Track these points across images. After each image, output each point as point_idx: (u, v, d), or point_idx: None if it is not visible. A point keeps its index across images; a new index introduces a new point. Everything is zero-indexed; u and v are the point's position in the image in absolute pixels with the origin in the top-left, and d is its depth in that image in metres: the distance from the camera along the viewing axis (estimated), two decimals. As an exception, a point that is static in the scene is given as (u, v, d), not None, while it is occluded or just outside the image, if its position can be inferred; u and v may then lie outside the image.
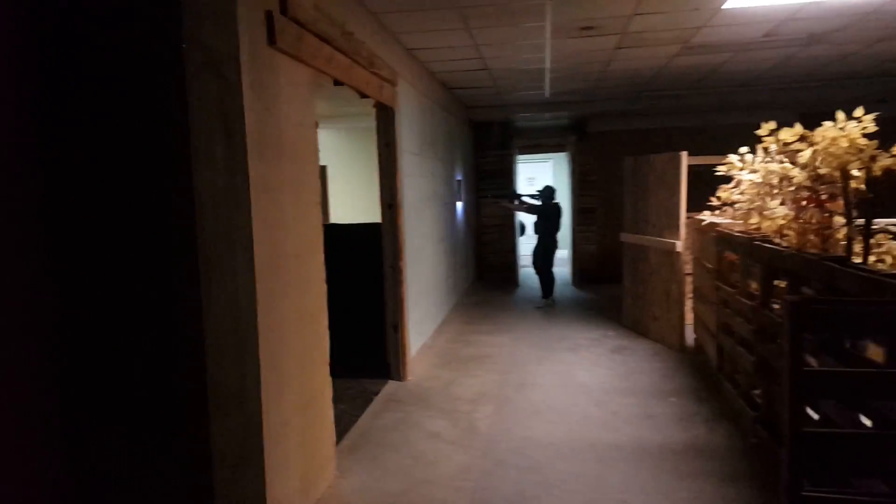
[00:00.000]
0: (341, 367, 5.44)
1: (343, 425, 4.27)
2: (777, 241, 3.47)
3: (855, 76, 8.08)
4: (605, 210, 10.77)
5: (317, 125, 3.31)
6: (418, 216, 6.10)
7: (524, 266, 11.64)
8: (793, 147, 3.40)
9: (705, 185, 5.04)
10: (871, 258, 3.19)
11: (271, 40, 2.75)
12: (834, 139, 3.13)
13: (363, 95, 4.43)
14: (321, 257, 3.33)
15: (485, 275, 11.10)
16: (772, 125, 3.58)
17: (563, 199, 13.21)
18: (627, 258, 7.01)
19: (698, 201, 5.47)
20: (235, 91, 1.65)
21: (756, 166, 3.79)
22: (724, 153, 4.23)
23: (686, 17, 4.99)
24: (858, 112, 3.53)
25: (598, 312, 7.99)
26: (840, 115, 3.51)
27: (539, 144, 11.47)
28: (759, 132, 3.63)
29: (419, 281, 6.07)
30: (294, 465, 2.94)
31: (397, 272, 5.18)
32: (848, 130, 3.21)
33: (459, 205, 9.01)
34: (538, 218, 8.65)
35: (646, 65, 6.90)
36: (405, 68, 5.61)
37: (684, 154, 5.71)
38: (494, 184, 11.01)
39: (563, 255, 12.21)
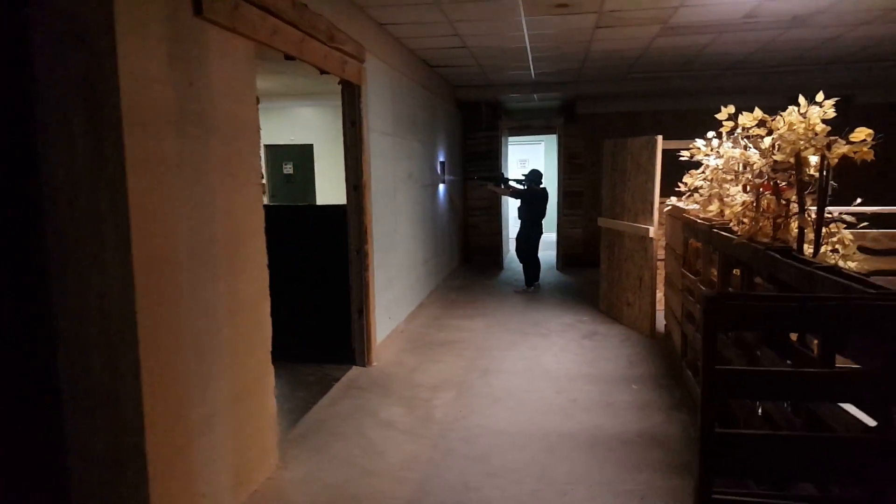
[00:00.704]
0: (306, 352, 5.40)
1: (297, 413, 4.20)
2: (736, 228, 3.36)
3: (839, 61, 7.89)
4: (592, 193, 10.63)
5: (258, 101, 3.18)
6: (391, 198, 5.98)
7: (511, 250, 11.55)
8: (753, 132, 3.26)
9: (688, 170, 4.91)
10: (825, 248, 3.08)
11: (197, 10, 2.62)
12: (791, 125, 3.00)
13: (323, 71, 4.30)
14: (261, 241, 3.22)
15: (471, 258, 11.00)
16: (730, 109, 3.44)
17: (551, 182, 13.10)
18: (604, 243, 6.90)
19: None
20: (106, 63, 1.53)
21: (721, 151, 3.66)
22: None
23: (662, -4, 4.82)
24: (819, 97, 3.40)
25: (576, 297, 7.90)
26: (802, 99, 3.38)
27: (527, 126, 11.30)
28: (719, 115, 3.50)
29: (391, 265, 5.97)
30: (225, 457, 2.87)
31: (363, 256, 5.08)
32: (808, 116, 3.08)
33: (442, 187, 8.88)
34: (522, 202, 8.51)
35: (628, 45, 6.73)
36: (376, 44, 5.46)
37: (659, 138, 5.58)
38: (483, 165, 10.87)
39: (550, 238, 12.11)
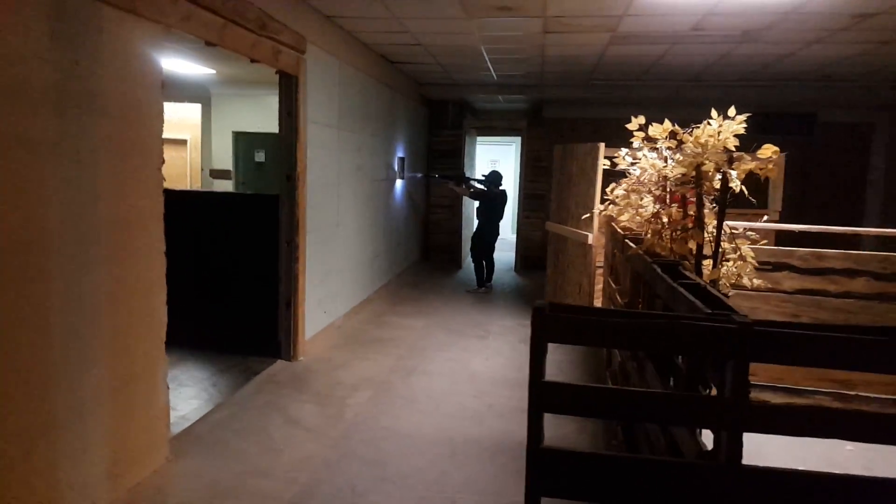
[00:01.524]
0: (232, 343, 5.31)
1: (205, 406, 4.12)
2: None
3: (799, 78, 7.95)
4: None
5: (162, 85, 3.10)
6: (333, 191, 5.90)
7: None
8: (664, 144, 3.25)
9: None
10: (729, 264, 3.08)
11: (85, -10, 2.54)
12: (697, 138, 2.99)
13: (253, 60, 4.21)
14: (157, 227, 3.13)
15: (431, 255, 10.95)
16: (641, 119, 3.41)
17: (512, 184, 13.09)
18: (551, 248, 6.90)
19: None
20: None
21: (643, 162, 3.64)
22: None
23: (603, 4, 4.80)
24: (731, 111, 3.40)
25: (526, 300, 7.88)
26: (714, 113, 3.38)
27: (491, 126, 11.30)
28: (630, 126, 3.48)
29: (330, 258, 5.90)
30: (98, 447, 2.79)
31: (294, 247, 5.01)
32: (714, 130, 3.08)
33: (400, 183, 8.81)
34: (480, 203, 8.52)
35: (583, 52, 6.71)
36: (321, 35, 5.37)
37: (601, 145, 5.57)
38: (447, 164, 10.81)
39: (510, 240, 12.10)
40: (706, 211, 3.23)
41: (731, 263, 3.06)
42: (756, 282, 3.31)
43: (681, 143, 3.14)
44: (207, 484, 3.13)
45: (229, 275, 5.42)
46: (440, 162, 10.89)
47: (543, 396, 1.65)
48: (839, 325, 1.65)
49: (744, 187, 4.14)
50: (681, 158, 2.98)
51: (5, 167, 2.23)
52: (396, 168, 8.69)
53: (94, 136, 2.66)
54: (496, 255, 8.72)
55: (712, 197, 3.72)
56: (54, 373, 2.51)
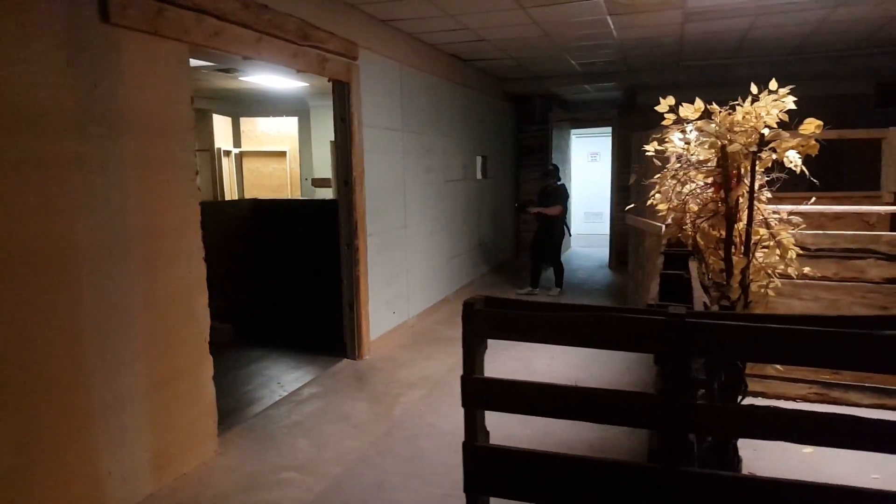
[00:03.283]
0: (303, 342, 5.56)
1: (265, 402, 4.33)
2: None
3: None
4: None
5: (192, 101, 3.30)
6: (398, 194, 5.99)
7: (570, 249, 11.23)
8: (697, 125, 2.97)
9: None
10: (767, 251, 2.77)
11: (104, 18, 2.76)
12: (726, 117, 2.72)
13: (299, 70, 4.38)
14: (195, 235, 3.33)
15: (521, 253, 10.80)
16: (670, 100, 3.13)
17: (605, 175, 12.55)
18: (632, 242, 6.56)
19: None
20: None
21: (671, 147, 3.36)
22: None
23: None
24: (773, 85, 3.05)
25: (610, 298, 7.56)
26: (754, 88, 3.06)
27: (577, 119, 10.94)
28: (658, 108, 3.20)
29: (398, 260, 5.99)
30: (140, 440, 3.02)
31: (353, 250, 5.14)
32: (754, 108, 2.78)
33: (480, 183, 8.77)
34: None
35: (660, 32, 6.32)
36: (376, 40, 5.47)
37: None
38: (535, 159, 10.63)
39: (605, 234, 11.66)
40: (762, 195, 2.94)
41: (769, 251, 2.74)
42: (805, 269, 2.95)
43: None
44: (245, 476, 3.29)
45: (303, 277, 5.67)
46: (529, 158, 10.72)
47: (474, 393, 1.57)
48: (801, 315, 1.42)
49: (804, 168, 3.73)
50: (702, 141, 2.72)
51: (28, 185, 2.48)
52: (479, 167, 8.65)
53: (119, 152, 2.88)
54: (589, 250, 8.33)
55: (768, 179, 3.39)
56: (90, 371, 2.75)
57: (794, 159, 3.67)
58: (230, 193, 10.65)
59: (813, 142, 2.80)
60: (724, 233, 2.71)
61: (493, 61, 7.98)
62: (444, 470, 3.31)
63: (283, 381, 4.79)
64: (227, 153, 10.72)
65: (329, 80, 4.88)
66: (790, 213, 2.90)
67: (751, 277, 2.79)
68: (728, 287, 2.61)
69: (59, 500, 2.64)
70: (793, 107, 2.95)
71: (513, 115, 10.55)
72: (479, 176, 8.73)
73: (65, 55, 2.60)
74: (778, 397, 4.25)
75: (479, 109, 8.67)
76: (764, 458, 3.42)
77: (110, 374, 2.85)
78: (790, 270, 2.75)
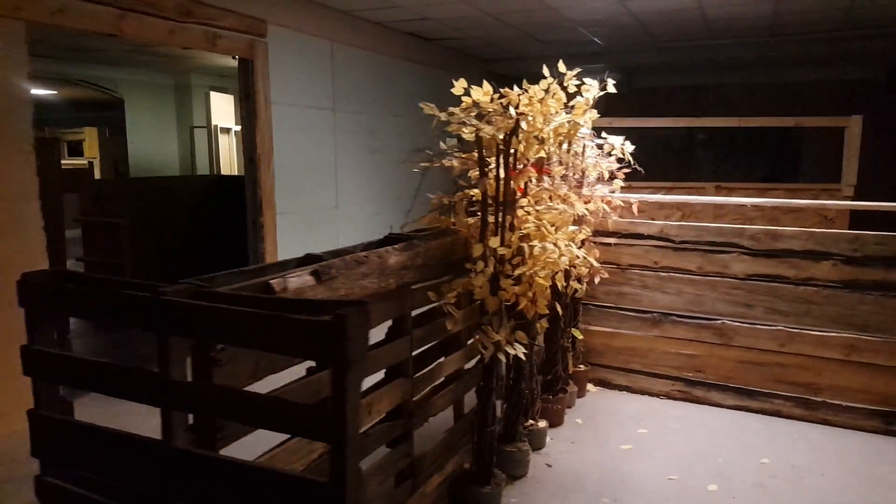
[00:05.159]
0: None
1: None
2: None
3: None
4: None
5: (29, 75, 3.45)
6: (328, 173, 6.04)
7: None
8: (486, 109, 2.86)
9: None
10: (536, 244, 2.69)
11: None
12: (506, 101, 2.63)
13: (184, 47, 4.49)
14: (31, 205, 3.50)
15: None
16: (463, 83, 3.01)
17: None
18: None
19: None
20: None
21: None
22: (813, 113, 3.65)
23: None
24: (561, 66, 2.94)
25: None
26: (545, 70, 2.95)
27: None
28: (454, 90, 3.10)
29: (329, 239, 6.05)
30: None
31: (258, 227, 5.26)
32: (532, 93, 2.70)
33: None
34: None
35: (671, 6, 5.99)
36: (293, 17, 5.45)
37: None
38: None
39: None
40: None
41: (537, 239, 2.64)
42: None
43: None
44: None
45: (208, 251, 5.84)
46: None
47: (33, 365, 1.63)
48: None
49: (630, 157, 3.57)
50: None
51: None
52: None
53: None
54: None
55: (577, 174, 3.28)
56: None
57: (619, 147, 3.55)
58: (228, 169, 10.94)
59: (571, 129, 2.69)
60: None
61: (457, 40, 7.87)
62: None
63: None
64: (227, 130, 10.99)
65: (233, 58, 4.97)
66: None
67: (531, 270, 2.69)
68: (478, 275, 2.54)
69: None
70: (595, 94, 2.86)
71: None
72: (447, 157, 8.67)
73: None
74: (643, 392, 4.13)
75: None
76: (587, 450, 3.36)
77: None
78: (564, 261, 2.64)
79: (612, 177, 3.86)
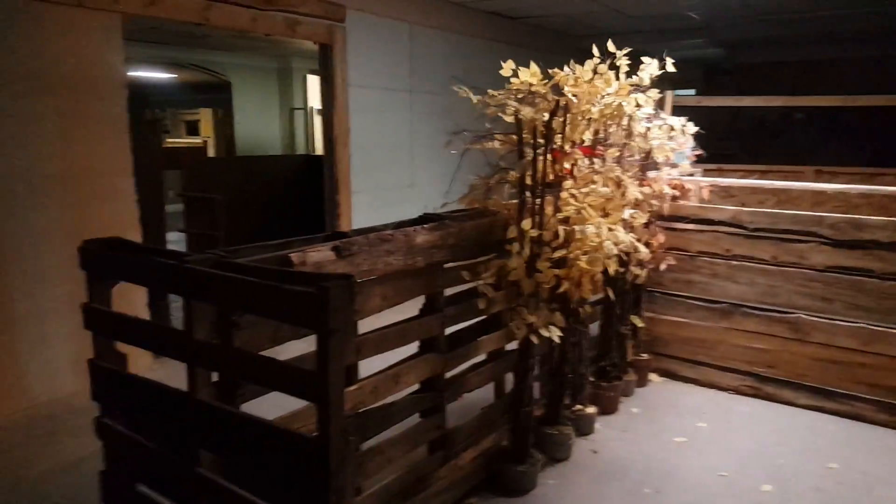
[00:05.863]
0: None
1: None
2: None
3: None
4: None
5: (123, 61, 3.79)
6: (406, 154, 6.18)
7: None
8: (537, 90, 2.81)
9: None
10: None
11: (26, -7, 3.30)
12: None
13: (267, 34, 4.74)
14: (125, 179, 3.87)
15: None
16: (511, 64, 2.96)
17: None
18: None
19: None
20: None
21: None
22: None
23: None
24: (610, 46, 2.85)
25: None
26: (595, 50, 2.88)
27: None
28: (502, 71, 3.05)
29: (404, 216, 6.20)
30: (63, 348, 3.66)
31: (335, 205, 5.49)
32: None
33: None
34: None
35: None
36: (373, 1, 5.58)
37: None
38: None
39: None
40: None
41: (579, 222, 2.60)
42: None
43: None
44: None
45: (293, 226, 6.15)
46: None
47: (91, 322, 1.85)
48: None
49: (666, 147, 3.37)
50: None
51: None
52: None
53: (39, 108, 3.43)
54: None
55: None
56: (9, 285, 3.39)
57: (680, 128, 3.39)
58: (322, 149, 11.42)
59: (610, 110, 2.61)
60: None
61: (542, 17, 7.73)
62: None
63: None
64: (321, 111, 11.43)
65: (315, 43, 5.18)
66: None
67: (573, 253, 2.67)
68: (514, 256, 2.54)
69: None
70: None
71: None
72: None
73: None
74: (710, 386, 3.97)
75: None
76: (638, 440, 3.30)
77: (28, 288, 3.49)
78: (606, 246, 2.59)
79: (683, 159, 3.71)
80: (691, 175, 4.39)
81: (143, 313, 3.98)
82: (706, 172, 5.99)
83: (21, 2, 3.30)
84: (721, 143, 9.58)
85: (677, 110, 6.17)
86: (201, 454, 1.63)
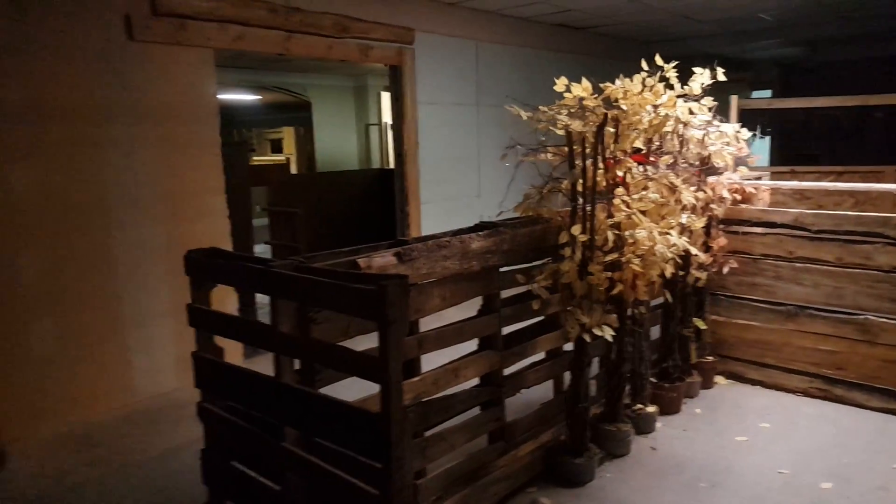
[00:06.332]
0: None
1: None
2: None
3: None
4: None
5: (216, 91, 4.23)
6: (473, 166, 6.41)
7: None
8: (589, 104, 2.97)
9: None
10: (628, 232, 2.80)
11: (130, 37, 3.77)
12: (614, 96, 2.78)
13: (341, 60, 5.11)
14: (217, 198, 4.29)
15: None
16: (563, 80, 3.11)
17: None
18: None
19: None
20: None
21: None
22: None
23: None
24: (658, 60, 2.97)
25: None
26: (644, 64, 3.01)
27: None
28: (556, 87, 3.20)
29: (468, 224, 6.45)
30: (166, 349, 4.11)
31: (405, 216, 5.80)
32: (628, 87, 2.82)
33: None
34: None
35: None
36: (438, 22, 5.82)
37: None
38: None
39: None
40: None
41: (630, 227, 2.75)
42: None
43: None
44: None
45: (367, 236, 6.50)
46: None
47: (194, 319, 2.19)
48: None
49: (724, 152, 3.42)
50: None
51: (74, 158, 3.61)
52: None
53: (143, 135, 3.90)
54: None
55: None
56: (119, 291, 3.87)
57: (734, 134, 3.45)
58: (395, 163, 11.89)
59: (658, 120, 2.72)
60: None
61: (610, 26, 7.80)
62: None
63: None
64: (396, 126, 11.91)
65: (385, 65, 5.52)
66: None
67: (625, 254, 2.81)
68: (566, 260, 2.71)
69: (98, 382, 3.82)
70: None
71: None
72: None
73: (98, 66, 3.66)
74: (777, 388, 3.97)
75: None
76: (699, 438, 3.37)
77: (135, 295, 3.95)
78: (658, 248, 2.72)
79: (741, 164, 3.76)
80: (758, 178, 4.40)
81: (235, 317, 4.39)
82: (774, 176, 5.92)
83: (125, 43, 3.78)
84: (798, 145, 9.27)
85: (746, 113, 6.12)
86: (286, 431, 1.91)
